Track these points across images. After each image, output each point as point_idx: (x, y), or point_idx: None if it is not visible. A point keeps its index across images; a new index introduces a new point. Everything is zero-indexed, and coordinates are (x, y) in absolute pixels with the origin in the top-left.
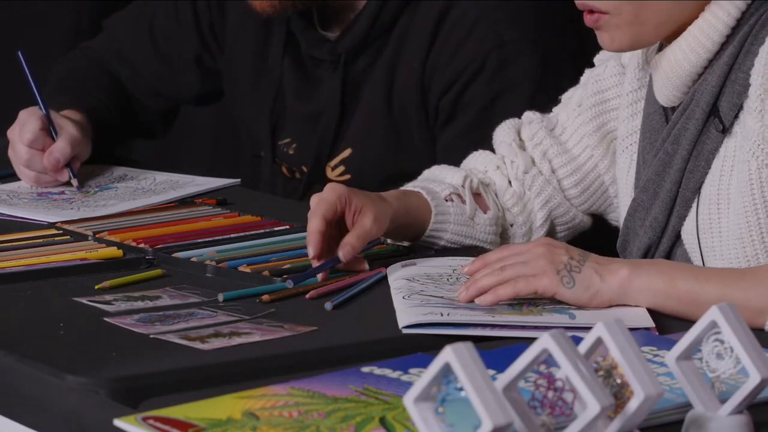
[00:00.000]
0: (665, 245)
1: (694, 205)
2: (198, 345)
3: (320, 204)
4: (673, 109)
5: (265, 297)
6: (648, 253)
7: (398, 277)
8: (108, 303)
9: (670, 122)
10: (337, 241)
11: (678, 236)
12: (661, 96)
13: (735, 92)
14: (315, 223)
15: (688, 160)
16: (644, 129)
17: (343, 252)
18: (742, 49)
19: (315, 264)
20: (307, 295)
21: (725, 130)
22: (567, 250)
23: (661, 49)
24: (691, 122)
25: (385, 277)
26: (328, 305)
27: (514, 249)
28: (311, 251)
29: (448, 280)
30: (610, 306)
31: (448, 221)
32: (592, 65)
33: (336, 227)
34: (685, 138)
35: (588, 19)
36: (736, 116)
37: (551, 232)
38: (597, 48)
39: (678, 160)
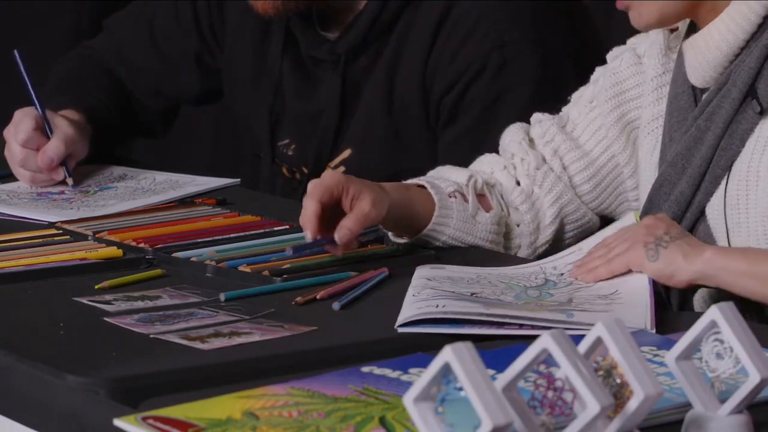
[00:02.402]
0: (689, 220)
1: (723, 182)
2: (198, 345)
3: (316, 188)
4: (703, 90)
5: (299, 299)
6: None
7: (419, 276)
8: (108, 303)
9: (703, 100)
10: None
11: (702, 212)
12: (695, 77)
13: None
14: (311, 206)
15: (721, 137)
16: (671, 109)
17: (339, 234)
18: None
19: None
20: (318, 296)
21: (763, 112)
22: (667, 226)
23: (692, 30)
24: (726, 101)
25: (387, 277)
26: (336, 305)
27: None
28: (309, 234)
29: (468, 282)
30: (689, 286)
31: (451, 217)
32: (592, 66)
33: (333, 213)
34: (720, 116)
35: (618, 4)
36: None
37: (560, 231)
38: (597, 48)
39: (710, 137)
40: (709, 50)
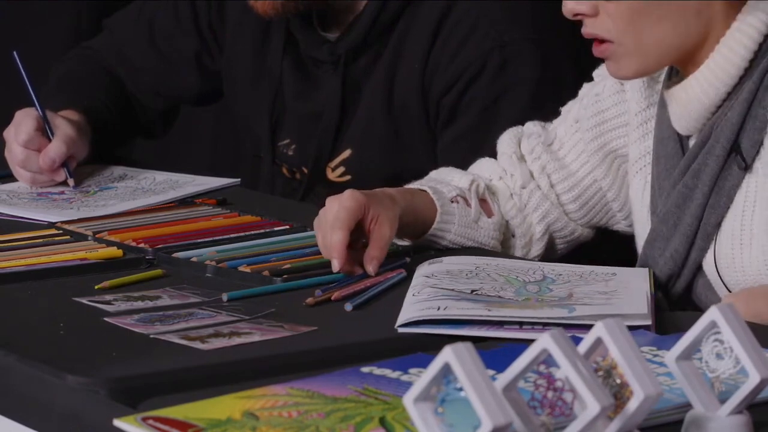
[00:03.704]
0: (687, 276)
1: (715, 239)
2: (198, 345)
3: (343, 213)
4: (688, 135)
5: (310, 300)
6: (669, 283)
7: (419, 274)
8: (108, 303)
9: (688, 154)
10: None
11: (699, 268)
12: (679, 126)
13: (756, 129)
14: (341, 236)
15: (709, 195)
16: (657, 153)
17: (372, 266)
18: (762, 84)
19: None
20: (333, 297)
21: (747, 168)
22: None
23: (673, 74)
24: (711, 158)
25: (403, 279)
26: (348, 306)
27: None
28: (338, 265)
29: (467, 275)
30: None
31: (452, 222)
32: (593, 66)
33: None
34: (706, 174)
35: (596, 50)
36: (757, 152)
37: (551, 244)
38: None
39: (698, 194)
40: (690, 102)
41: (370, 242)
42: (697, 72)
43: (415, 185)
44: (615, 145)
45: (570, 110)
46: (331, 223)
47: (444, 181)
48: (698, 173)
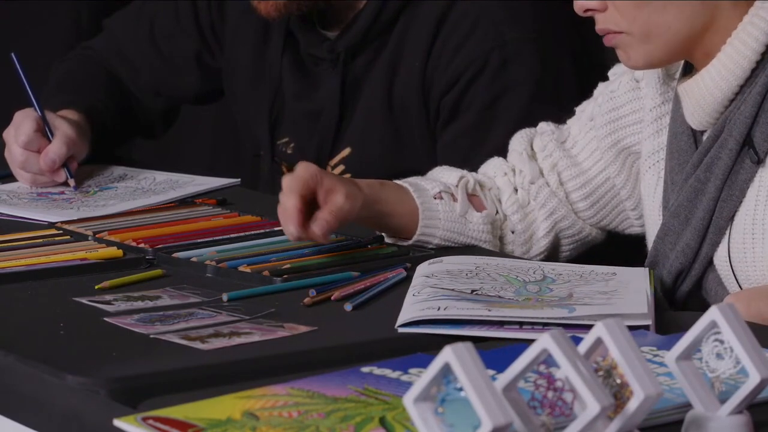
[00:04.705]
0: (697, 270)
1: (728, 232)
2: (198, 345)
3: (294, 181)
4: (702, 130)
5: (307, 300)
6: (679, 278)
7: (419, 274)
8: (108, 303)
9: (701, 148)
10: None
11: (710, 262)
12: (692, 120)
13: None
14: (293, 201)
15: (721, 189)
16: (671, 149)
17: (318, 225)
18: None
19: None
20: (333, 297)
21: (760, 161)
22: None
23: (688, 71)
24: (724, 152)
25: (404, 279)
26: (348, 306)
27: None
28: (294, 230)
29: (467, 275)
30: None
31: (438, 218)
32: (594, 66)
33: (307, 206)
34: (718, 167)
35: (606, 41)
36: None
37: (555, 244)
38: (598, 47)
39: (711, 188)
40: (703, 96)
41: (323, 207)
42: (710, 65)
43: (397, 182)
44: (629, 141)
45: (584, 110)
46: (284, 192)
47: (429, 178)
48: (711, 167)
